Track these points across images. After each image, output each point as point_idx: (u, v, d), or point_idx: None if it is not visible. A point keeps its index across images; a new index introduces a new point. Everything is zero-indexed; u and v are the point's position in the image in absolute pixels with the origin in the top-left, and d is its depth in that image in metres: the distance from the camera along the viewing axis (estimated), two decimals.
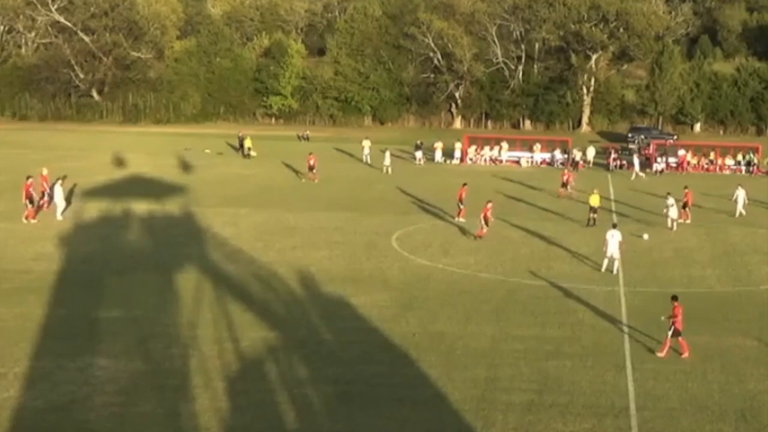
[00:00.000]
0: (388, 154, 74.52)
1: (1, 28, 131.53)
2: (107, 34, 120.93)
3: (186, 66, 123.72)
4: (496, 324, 31.97)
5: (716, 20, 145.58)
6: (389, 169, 72.97)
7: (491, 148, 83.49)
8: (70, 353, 27.82)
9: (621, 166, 79.73)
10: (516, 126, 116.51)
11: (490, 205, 46.97)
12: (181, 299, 34.38)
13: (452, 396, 25.07)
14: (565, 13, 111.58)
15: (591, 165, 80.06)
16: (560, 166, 78.33)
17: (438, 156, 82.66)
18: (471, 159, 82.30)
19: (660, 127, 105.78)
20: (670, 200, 50.43)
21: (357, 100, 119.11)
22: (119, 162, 75.60)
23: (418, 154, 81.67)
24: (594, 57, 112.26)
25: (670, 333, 28.61)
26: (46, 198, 52.97)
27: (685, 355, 28.47)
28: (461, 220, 50.31)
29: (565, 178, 62.70)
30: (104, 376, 26.07)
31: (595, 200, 50.83)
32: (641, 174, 73.85)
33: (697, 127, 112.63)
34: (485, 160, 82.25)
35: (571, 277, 38.88)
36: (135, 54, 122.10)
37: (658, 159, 79.65)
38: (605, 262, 39.87)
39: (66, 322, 31.35)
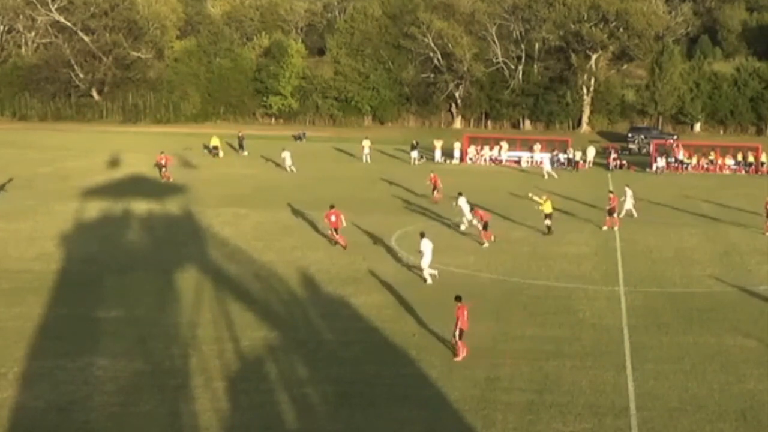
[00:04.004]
0: (288, 154, 74.04)
1: (1, 28, 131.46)
2: (107, 34, 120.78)
3: (186, 66, 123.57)
4: (496, 324, 32.00)
5: (716, 20, 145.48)
6: (292, 168, 72.80)
7: (491, 148, 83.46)
8: (70, 353, 27.85)
9: (621, 166, 79.71)
10: (516, 126, 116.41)
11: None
12: (181, 299, 34.43)
13: (452, 396, 25.10)
14: (565, 13, 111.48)
15: (591, 165, 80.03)
16: (559, 167, 78.29)
17: (438, 156, 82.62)
18: (471, 159, 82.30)
19: (660, 127, 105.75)
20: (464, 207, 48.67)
21: (357, 100, 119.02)
22: (119, 162, 75.61)
23: (414, 154, 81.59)
24: (594, 57, 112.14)
25: (457, 334, 28.26)
26: None
27: (459, 358, 28.07)
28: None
29: (431, 181, 59.40)
30: (104, 376, 26.11)
31: (547, 207, 48.78)
32: (553, 173, 73.55)
33: (697, 127, 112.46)
34: (485, 160, 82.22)
35: (571, 277, 38.90)
36: (135, 54, 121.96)
37: (658, 158, 79.63)
38: (427, 273, 38.18)
39: (66, 322, 31.41)
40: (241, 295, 34.91)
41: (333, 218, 43.98)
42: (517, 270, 40.09)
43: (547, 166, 74.17)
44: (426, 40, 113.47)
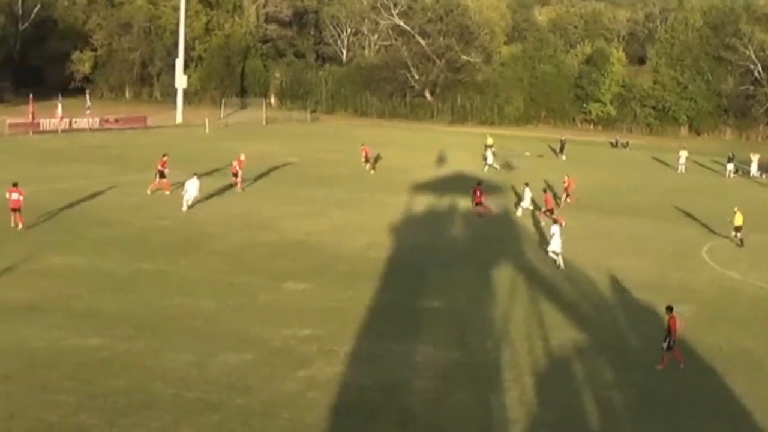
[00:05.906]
0: (489, 153, 73.83)
1: (349, 30, 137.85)
2: (441, 38, 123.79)
3: (511, 70, 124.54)
4: None
5: None
6: (495, 166, 72.39)
7: None
8: (394, 337, 28.83)
9: None
10: None
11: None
12: (496, 294, 34.83)
13: (757, 414, 23.98)
14: None
15: None
16: None
17: (754, 169, 78.80)
18: None
19: None
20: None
21: (674, 110, 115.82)
22: (445, 160, 77.37)
23: (730, 166, 78.10)
24: None
25: (665, 345, 26.71)
26: (239, 179, 56.39)
27: (682, 365, 26.82)
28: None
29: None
30: (424, 362, 26.79)
31: (738, 219, 45.91)
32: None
33: None
34: None
35: None
36: (465, 58, 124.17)
37: None
38: (559, 258, 39.31)
39: (392, 308, 32.45)
40: (551, 295, 34.89)
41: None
42: None
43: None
44: (747, 52, 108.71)
